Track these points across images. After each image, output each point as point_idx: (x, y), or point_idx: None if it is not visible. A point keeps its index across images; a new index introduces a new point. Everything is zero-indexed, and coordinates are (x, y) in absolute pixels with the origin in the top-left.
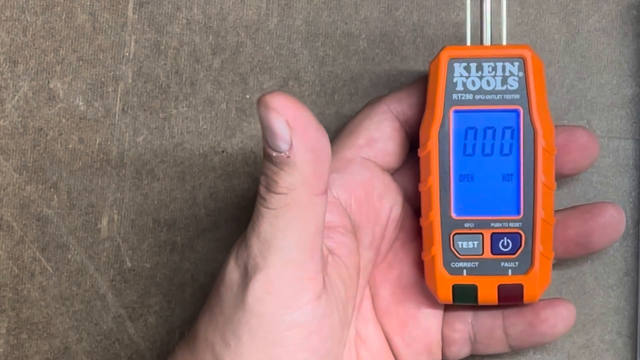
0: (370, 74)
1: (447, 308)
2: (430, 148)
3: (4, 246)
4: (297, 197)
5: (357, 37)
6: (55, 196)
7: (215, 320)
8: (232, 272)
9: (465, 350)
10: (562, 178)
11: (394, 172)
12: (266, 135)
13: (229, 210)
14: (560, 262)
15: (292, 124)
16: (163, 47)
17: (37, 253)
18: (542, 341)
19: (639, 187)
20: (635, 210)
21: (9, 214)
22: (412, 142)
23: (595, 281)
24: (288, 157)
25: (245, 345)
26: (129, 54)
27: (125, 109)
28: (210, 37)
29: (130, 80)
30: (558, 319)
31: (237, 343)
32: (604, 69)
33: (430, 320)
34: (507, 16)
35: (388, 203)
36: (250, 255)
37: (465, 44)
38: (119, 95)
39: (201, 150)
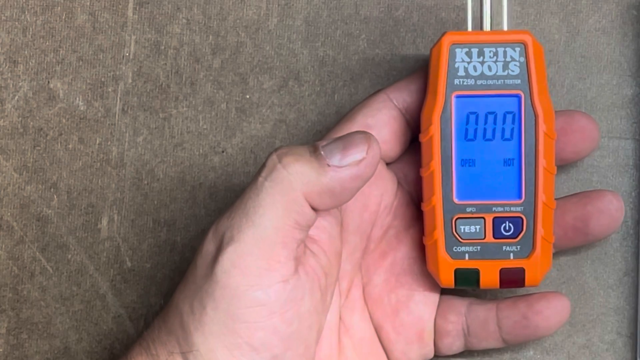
0: (370, 74)
1: (441, 299)
2: (432, 133)
3: (4, 246)
4: (295, 184)
5: (357, 37)
6: (55, 196)
7: (187, 289)
8: (209, 243)
9: (458, 344)
10: (563, 163)
11: (393, 161)
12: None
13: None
14: (560, 262)
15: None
16: (163, 47)
17: (37, 253)
18: (535, 334)
19: (639, 187)
20: (635, 210)
21: (9, 214)
22: (413, 131)
23: (595, 281)
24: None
25: (208, 315)
26: (129, 54)
27: (125, 109)
28: (210, 37)
29: (130, 80)
30: (552, 311)
31: (201, 312)
32: (604, 69)
33: (422, 308)
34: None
35: (378, 190)
36: (229, 227)
37: (466, 29)
38: (119, 95)
39: (201, 150)
